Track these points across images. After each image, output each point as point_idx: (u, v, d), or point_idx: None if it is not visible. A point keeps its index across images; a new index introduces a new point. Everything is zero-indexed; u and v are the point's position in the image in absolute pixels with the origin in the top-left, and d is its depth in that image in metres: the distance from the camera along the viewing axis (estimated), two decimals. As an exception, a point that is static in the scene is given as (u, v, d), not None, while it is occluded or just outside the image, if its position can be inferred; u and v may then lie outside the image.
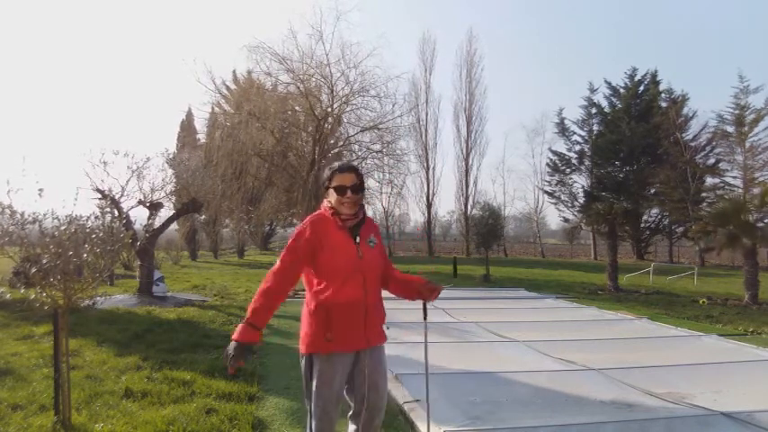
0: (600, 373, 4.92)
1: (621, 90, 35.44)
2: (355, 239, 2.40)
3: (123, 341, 5.93)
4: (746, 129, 27.82)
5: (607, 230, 14.85)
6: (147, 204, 10.18)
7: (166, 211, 11.63)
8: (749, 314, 9.55)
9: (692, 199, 29.12)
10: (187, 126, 27.52)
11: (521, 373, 4.93)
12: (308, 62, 20.81)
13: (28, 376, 4.47)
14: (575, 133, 36.55)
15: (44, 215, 3.66)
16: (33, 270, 3.34)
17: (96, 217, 3.84)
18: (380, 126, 22.41)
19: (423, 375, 2.94)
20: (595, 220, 15.96)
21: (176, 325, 7.07)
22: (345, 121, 22.89)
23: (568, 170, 36.62)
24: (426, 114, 36.30)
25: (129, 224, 9.54)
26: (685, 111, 32.69)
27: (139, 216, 11.13)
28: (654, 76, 34.79)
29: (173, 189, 10.85)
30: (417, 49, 48.23)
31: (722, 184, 30.27)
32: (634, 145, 32.78)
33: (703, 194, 30.98)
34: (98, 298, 3.89)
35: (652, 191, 33.34)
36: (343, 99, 21.33)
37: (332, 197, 2.41)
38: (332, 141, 22.90)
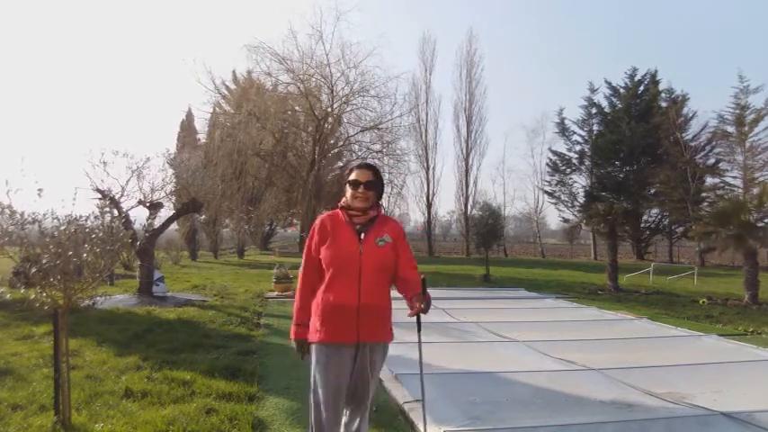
0: (600, 373, 4.92)
1: (621, 90, 35.43)
2: (359, 235, 2.47)
3: (123, 341, 5.92)
4: (746, 129, 27.88)
5: (607, 230, 14.84)
6: (147, 204, 10.17)
7: (166, 211, 11.62)
8: (749, 314, 9.55)
9: (692, 199, 29.12)
10: (187, 126, 27.52)
11: (521, 373, 4.93)
12: (308, 62, 20.83)
13: (28, 376, 4.47)
14: (575, 133, 36.62)
15: (44, 215, 3.65)
16: (33, 270, 3.33)
17: (96, 217, 3.83)
18: (380, 126, 22.42)
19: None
20: (595, 220, 15.93)
21: (176, 325, 7.06)
22: (345, 121, 22.91)
23: (568, 170, 36.61)
24: (426, 114, 36.34)
25: (128, 224, 9.54)
26: (685, 111, 32.76)
27: (139, 216, 11.11)
28: (654, 76, 34.83)
29: (173, 189, 10.84)
30: (417, 49, 48.21)
31: (722, 184, 30.35)
32: (634, 145, 32.77)
33: (703, 194, 30.98)
34: (98, 298, 3.88)
35: (652, 191, 33.33)
36: (343, 99, 21.33)
37: (348, 192, 2.58)
38: (332, 141, 22.91)
